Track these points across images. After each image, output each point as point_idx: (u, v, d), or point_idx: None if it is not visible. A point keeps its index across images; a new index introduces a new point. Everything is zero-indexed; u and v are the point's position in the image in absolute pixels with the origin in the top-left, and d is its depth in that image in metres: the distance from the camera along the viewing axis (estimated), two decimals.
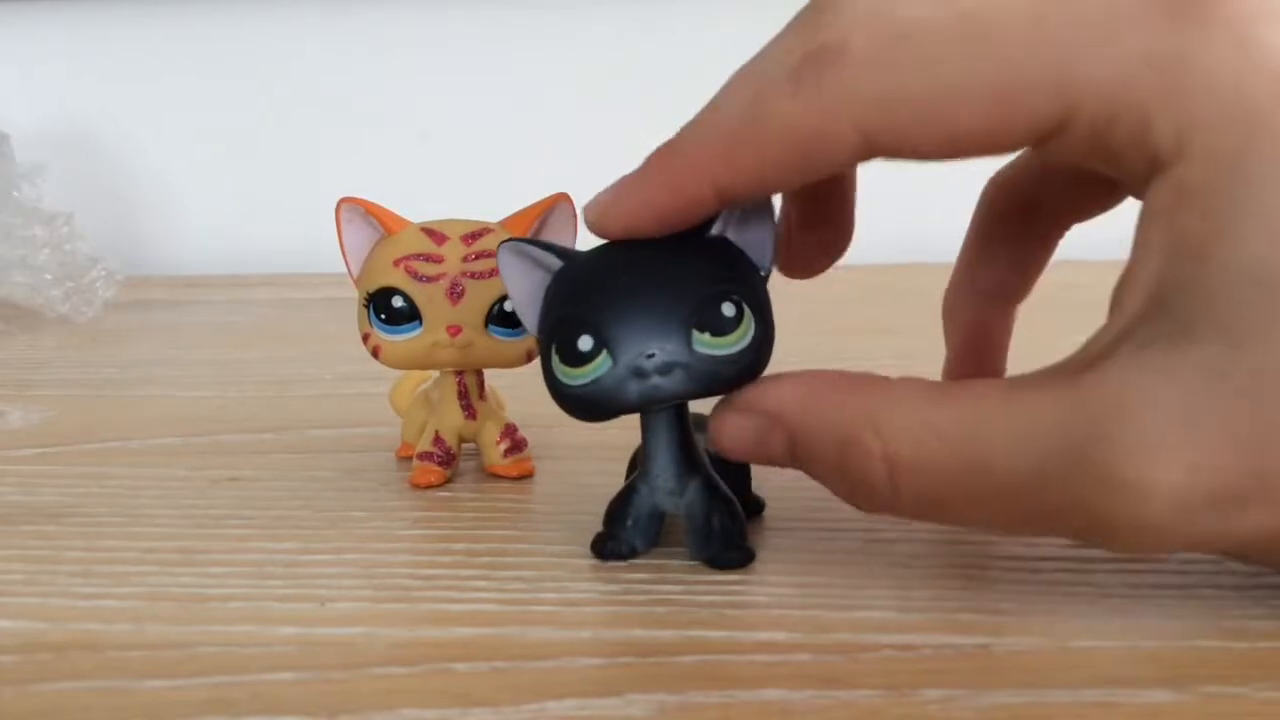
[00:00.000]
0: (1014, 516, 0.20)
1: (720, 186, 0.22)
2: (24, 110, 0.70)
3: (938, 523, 0.22)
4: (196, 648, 0.22)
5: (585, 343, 0.22)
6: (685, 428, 0.25)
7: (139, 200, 0.73)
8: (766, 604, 0.23)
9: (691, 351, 0.22)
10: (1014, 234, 0.28)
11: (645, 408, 0.23)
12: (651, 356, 0.22)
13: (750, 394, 0.23)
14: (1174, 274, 0.19)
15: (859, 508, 0.22)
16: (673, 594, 0.24)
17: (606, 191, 0.23)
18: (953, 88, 0.20)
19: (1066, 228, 0.28)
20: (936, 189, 0.66)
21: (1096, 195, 0.26)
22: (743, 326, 0.23)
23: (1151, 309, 0.19)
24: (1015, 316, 0.29)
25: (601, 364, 0.22)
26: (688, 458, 0.25)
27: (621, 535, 0.25)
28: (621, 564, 0.25)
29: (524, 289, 0.25)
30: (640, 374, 0.22)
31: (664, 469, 0.25)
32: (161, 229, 0.74)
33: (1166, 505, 0.18)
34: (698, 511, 0.25)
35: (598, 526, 0.26)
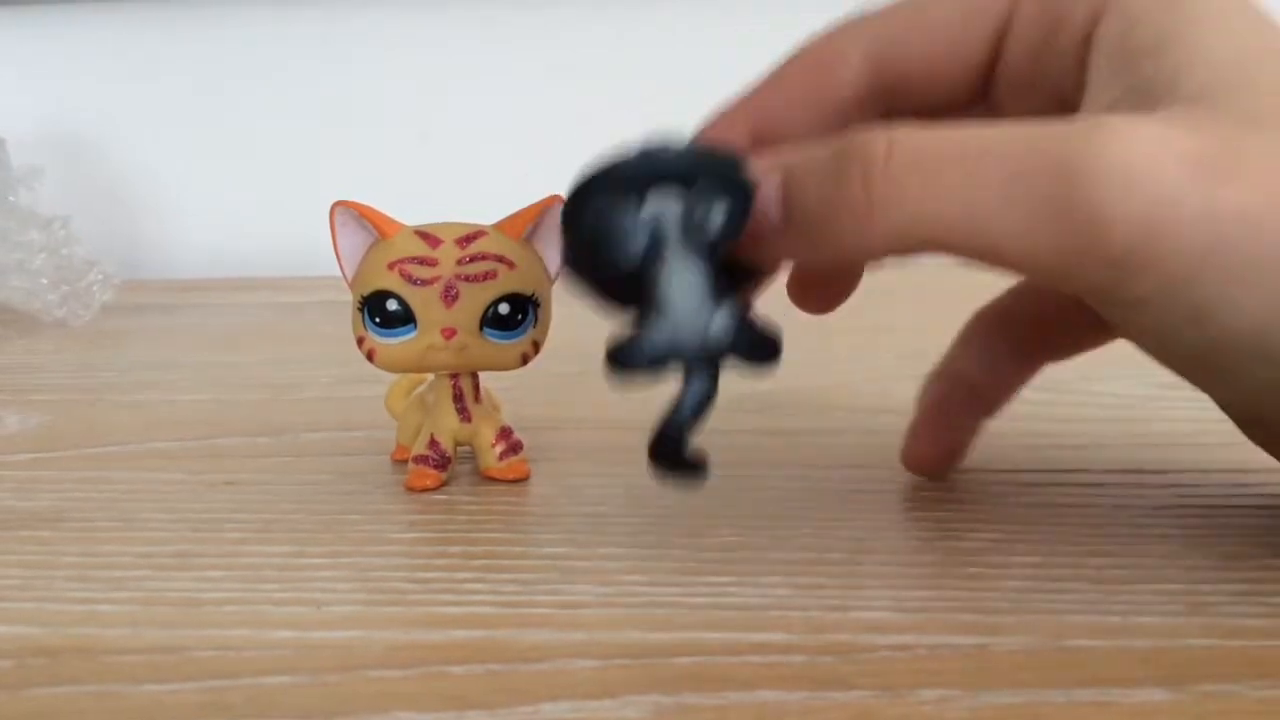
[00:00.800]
0: (994, 189, 0.19)
1: (754, 126, 0.25)
2: (20, 114, 0.70)
3: (924, 217, 0.20)
4: (192, 651, 0.22)
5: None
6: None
7: (136, 203, 0.73)
8: (762, 605, 0.23)
9: None
10: (996, 351, 0.29)
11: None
12: None
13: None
14: (1135, 77, 0.21)
15: (842, 223, 0.21)
16: (669, 596, 0.24)
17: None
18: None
19: (1045, 361, 0.29)
20: None
21: (1083, 333, 0.28)
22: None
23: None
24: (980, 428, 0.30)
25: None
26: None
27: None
28: (618, 566, 0.25)
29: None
30: None
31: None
32: (159, 232, 0.74)
33: (1143, 156, 0.18)
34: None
35: (594, 529, 0.26)
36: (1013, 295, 0.29)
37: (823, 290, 0.28)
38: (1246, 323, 0.19)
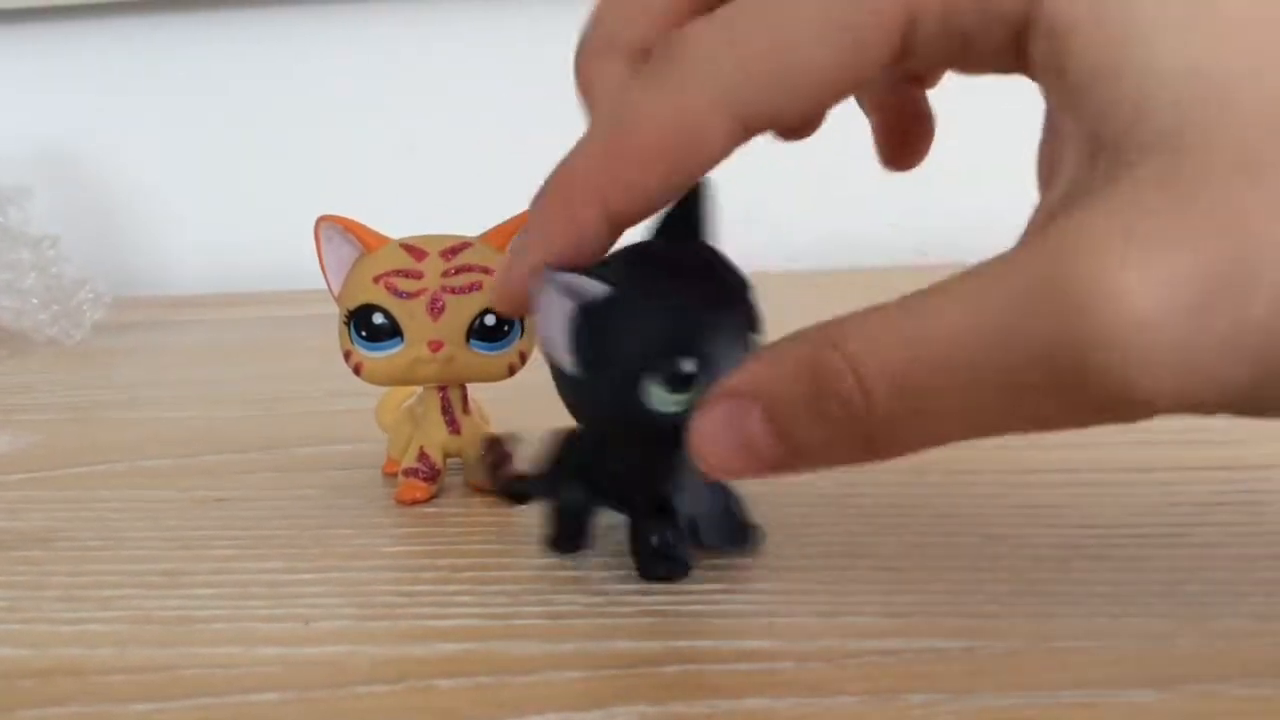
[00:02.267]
0: (991, 392, 0.18)
1: (610, 207, 0.21)
2: (8, 132, 0.70)
3: (927, 438, 0.19)
4: (180, 670, 0.22)
5: (689, 365, 0.21)
6: None
7: (125, 221, 0.74)
8: (751, 612, 0.23)
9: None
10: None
11: None
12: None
13: (712, 390, 0.21)
14: (1087, 121, 0.18)
15: (849, 457, 0.20)
16: (658, 604, 0.24)
17: (503, 266, 0.24)
18: (798, 34, 0.19)
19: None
20: (935, 190, 0.66)
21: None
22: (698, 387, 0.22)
23: (1075, 169, 0.18)
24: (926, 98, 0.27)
25: (698, 390, 0.21)
26: None
27: (674, 551, 0.25)
28: (606, 575, 0.25)
29: (556, 319, 0.22)
30: None
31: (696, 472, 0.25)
32: (148, 249, 0.74)
33: (1142, 308, 0.16)
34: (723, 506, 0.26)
35: None
36: None
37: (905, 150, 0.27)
38: None
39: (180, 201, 0.73)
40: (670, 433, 0.21)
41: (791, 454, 0.20)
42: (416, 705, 0.20)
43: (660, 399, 0.22)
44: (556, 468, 0.26)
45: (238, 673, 0.21)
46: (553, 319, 0.22)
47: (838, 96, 0.21)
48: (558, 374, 0.23)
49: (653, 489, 0.25)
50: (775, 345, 0.20)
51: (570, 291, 0.22)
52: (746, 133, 0.21)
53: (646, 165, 0.21)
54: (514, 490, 0.27)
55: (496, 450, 0.27)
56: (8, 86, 0.72)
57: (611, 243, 0.23)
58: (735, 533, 0.26)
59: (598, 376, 0.22)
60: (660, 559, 0.25)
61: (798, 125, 0.23)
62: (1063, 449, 0.33)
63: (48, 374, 0.50)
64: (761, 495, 0.29)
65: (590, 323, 0.22)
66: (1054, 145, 0.20)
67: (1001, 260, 0.18)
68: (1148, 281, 0.16)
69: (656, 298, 0.22)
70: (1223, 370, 0.16)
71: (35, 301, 0.55)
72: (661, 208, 0.23)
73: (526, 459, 0.27)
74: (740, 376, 0.20)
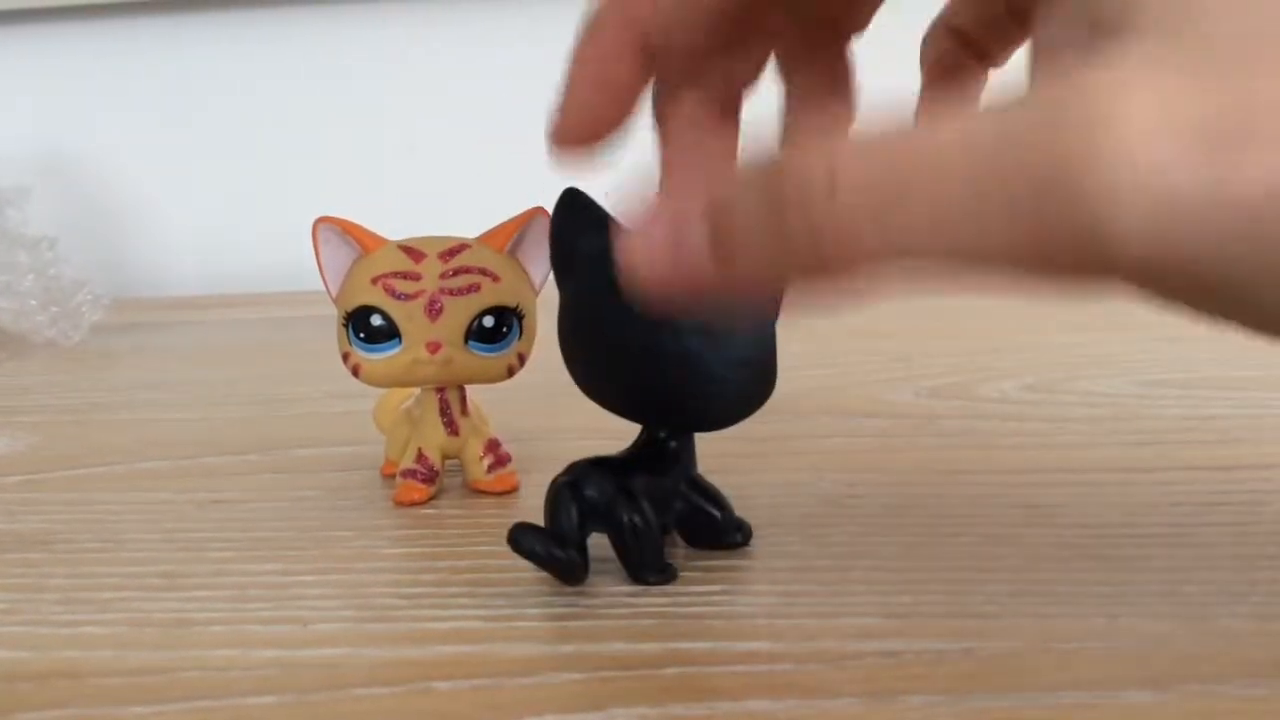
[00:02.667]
0: (967, 203, 0.16)
1: (638, 23, 0.21)
2: (6, 134, 0.70)
3: (884, 247, 0.17)
4: (178, 673, 0.22)
5: None
6: None
7: (124, 222, 0.73)
8: (750, 614, 0.23)
9: None
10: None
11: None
12: None
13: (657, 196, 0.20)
14: (1089, 9, 0.17)
15: (793, 264, 0.18)
16: (657, 606, 0.24)
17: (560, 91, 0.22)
18: None
19: None
20: None
21: None
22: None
23: (1073, 57, 0.17)
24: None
25: None
26: None
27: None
28: (605, 578, 0.25)
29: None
30: None
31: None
32: (147, 251, 0.74)
33: (1138, 143, 0.15)
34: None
35: None
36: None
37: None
38: None
39: (178, 203, 0.73)
40: None
41: (726, 260, 0.18)
42: (415, 708, 0.20)
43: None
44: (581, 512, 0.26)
45: (236, 675, 0.21)
46: None
47: None
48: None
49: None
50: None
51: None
52: None
53: None
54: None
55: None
56: (6, 87, 0.72)
57: (641, 86, 0.22)
58: (723, 532, 0.26)
59: None
60: (648, 569, 0.25)
61: None
62: (1062, 449, 0.33)
63: (46, 376, 0.50)
64: (760, 496, 0.29)
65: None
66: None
67: (994, 105, 0.17)
68: (1147, 119, 0.15)
69: None
70: (1201, 221, 0.15)
71: (34, 303, 0.55)
72: (691, 26, 0.22)
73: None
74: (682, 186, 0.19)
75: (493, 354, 0.29)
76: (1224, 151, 0.15)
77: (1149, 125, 0.15)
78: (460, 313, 0.29)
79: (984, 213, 0.16)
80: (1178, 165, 0.15)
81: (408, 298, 0.29)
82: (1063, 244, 0.16)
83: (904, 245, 0.17)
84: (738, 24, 0.22)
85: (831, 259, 0.17)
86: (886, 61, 0.26)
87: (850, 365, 0.44)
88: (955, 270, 0.17)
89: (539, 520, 0.25)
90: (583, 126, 0.22)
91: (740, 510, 0.27)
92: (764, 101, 0.24)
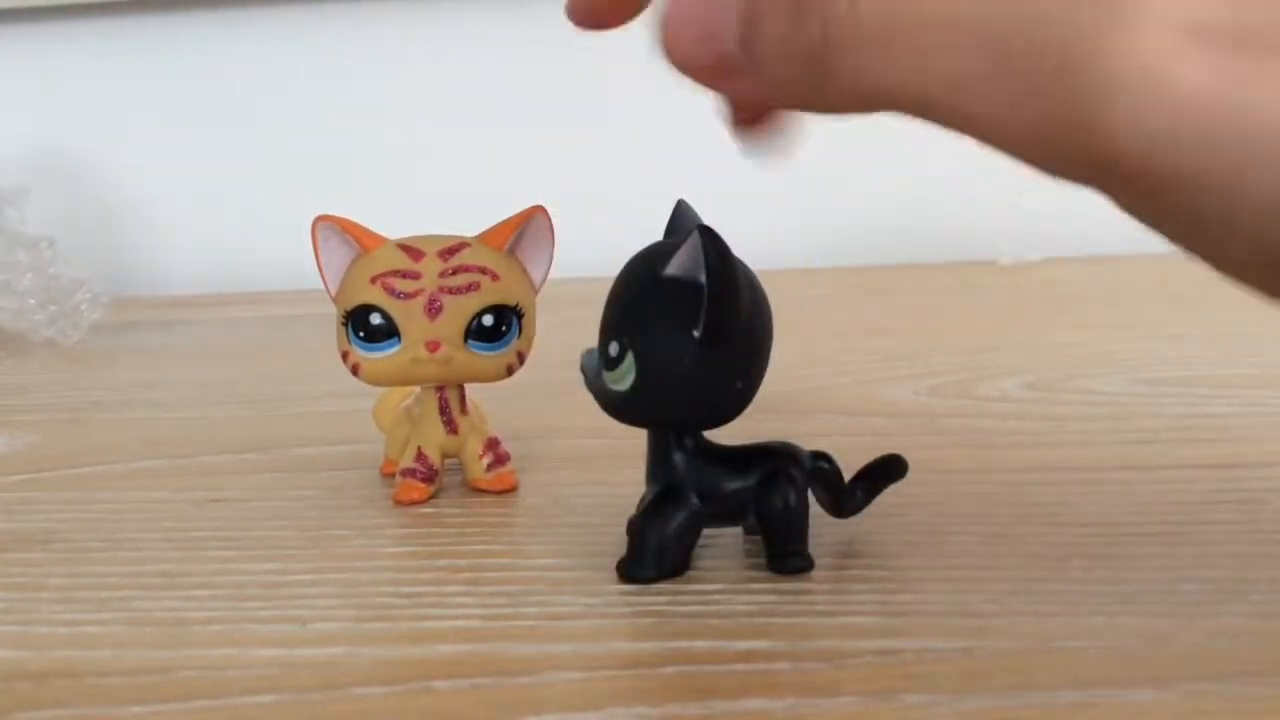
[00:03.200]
0: (979, 48, 0.16)
1: None
2: (5, 133, 0.70)
3: (887, 75, 0.17)
4: (177, 672, 0.22)
5: (613, 347, 0.24)
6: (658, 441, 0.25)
7: (123, 222, 0.73)
8: (749, 613, 0.23)
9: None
10: None
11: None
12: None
13: None
14: None
15: (797, 73, 0.18)
16: (656, 605, 0.24)
17: None
18: None
19: None
20: (931, 191, 0.66)
21: None
22: (624, 366, 0.24)
23: None
24: None
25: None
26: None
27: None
28: (605, 576, 0.25)
29: None
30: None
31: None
32: (146, 250, 0.74)
33: (1160, 25, 0.14)
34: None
35: (581, 538, 0.26)
36: None
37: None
38: None
39: (177, 202, 0.73)
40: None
41: (750, 51, 0.18)
42: (414, 707, 0.20)
43: (592, 371, 0.24)
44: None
45: (234, 674, 0.21)
46: None
47: None
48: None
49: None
50: None
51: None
52: None
53: None
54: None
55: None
56: (5, 87, 0.72)
57: None
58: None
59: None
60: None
61: None
62: (1060, 447, 0.33)
63: (45, 375, 0.50)
64: None
65: None
66: None
67: None
68: (1171, 8, 0.14)
69: (617, 286, 0.24)
70: (1210, 132, 0.14)
71: (33, 302, 0.55)
72: None
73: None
74: None
75: (492, 353, 0.29)
76: (1248, 60, 0.14)
77: (1171, 15, 0.14)
78: (460, 311, 0.29)
79: (990, 80, 0.16)
80: (1194, 65, 0.14)
81: (407, 296, 0.29)
82: (1060, 132, 0.15)
83: (906, 86, 0.17)
84: None
85: (836, 75, 0.17)
86: None
87: (849, 364, 0.44)
88: (956, 129, 0.17)
89: (535, 523, 0.25)
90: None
91: None
92: None
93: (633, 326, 0.24)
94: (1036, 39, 0.15)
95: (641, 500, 0.25)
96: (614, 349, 0.24)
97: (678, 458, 0.25)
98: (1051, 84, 0.15)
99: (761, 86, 0.19)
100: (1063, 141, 0.15)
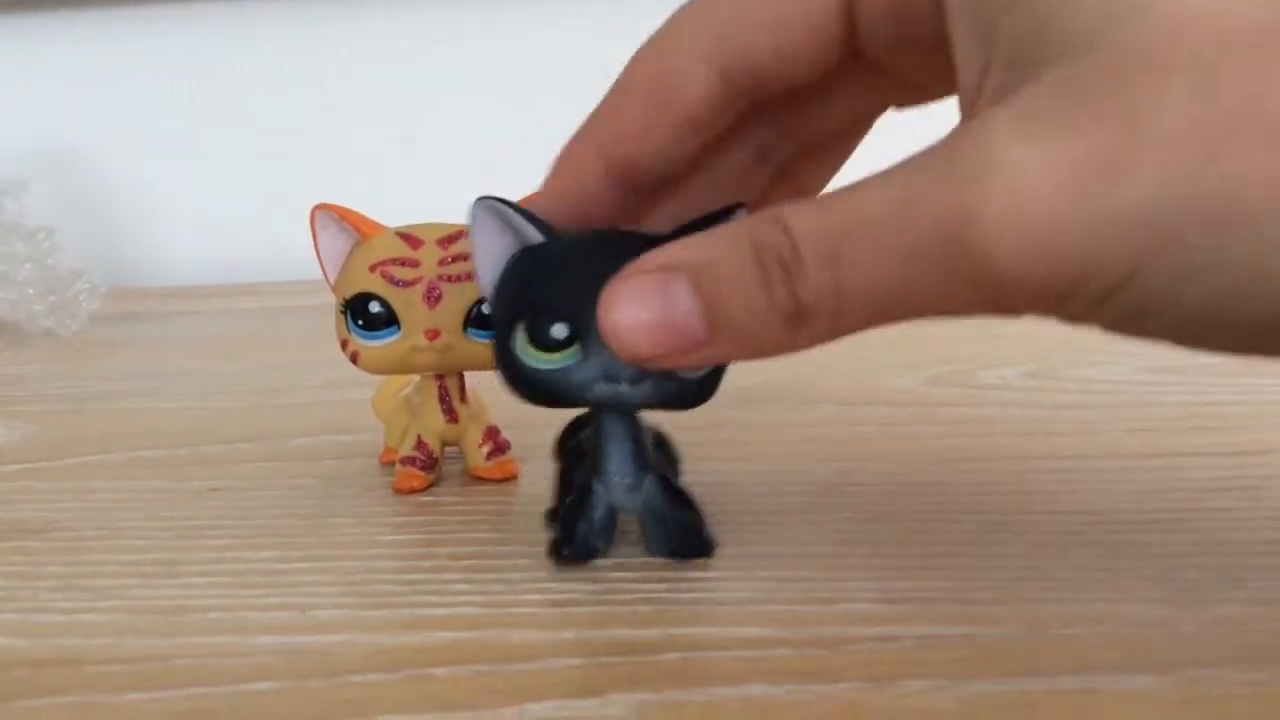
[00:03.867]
0: (896, 263, 0.18)
1: (604, 151, 0.23)
2: (3, 125, 0.69)
3: (851, 315, 0.19)
4: (176, 660, 0.22)
5: (560, 330, 0.23)
6: (639, 427, 0.25)
7: (122, 213, 0.73)
8: (750, 599, 0.23)
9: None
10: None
11: (600, 408, 0.24)
12: (629, 365, 0.22)
13: (637, 263, 0.20)
14: (1004, 49, 0.18)
15: (775, 336, 0.19)
16: (656, 592, 0.24)
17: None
18: None
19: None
20: None
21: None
22: None
23: (991, 96, 0.18)
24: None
25: (570, 355, 0.23)
26: (642, 455, 0.25)
27: (581, 538, 0.25)
28: (606, 563, 0.25)
29: (490, 251, 0.24)
30: (611, 378, 0.23)
31: (621, 467, 0.25)
32: (145, 241, 0.74)
33: (1021, 180, 0.16)
34: (657, 507, 0.25)
35: None
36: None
37: None
38: (1198, 304, 0.17)
39: (176, 193, 0.73)
40: (536, 392, 0.23)
41: (715, 332, 0.20)
42: (413, 694, 0.20)
43: (522, 347, 0.23)
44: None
45: (234, 662, 0.21)
46: (485, 250, 0.24)
47: (799, 44, 0.22)
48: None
49: (578, 472, 0.25)
50: (700, 233, 0.21)
51: (512, 228, 0.23)
52: (725, 82, 0.22)
53: (634, 113, 0.23)
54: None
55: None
56: (4, 79, 0.72)
57: (614, 199, 0.24)
58: (673, 540, 0.25)
59: (497, 313, 0.24)
60: (560, 545, 0.25)
61: (774, 79, 0.22)
62: (1061, 435, 0.33)
63: (44, 365, 0.50)
64: (759, 483, 0.29)
65: (515, 264, 0.24)
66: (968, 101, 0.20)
67: (921, 152, 0.18)
68: (1030, 159, 0.16)
69: (569, 260, 0.23)
70: (1094, 251, 0.16)
71: (31, 293, 0.55)
72: (655, 156, 0.23)
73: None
74: (664, 252, 0.20)
75: (492, 341, 0.29)
76: (1107, 188, 0.16)
77: (1032, 166, 0.16)
78: (459, 299, 0.29)
79: (908, 268, 0.18)
80: (1063, 207, 0.16)
81: (406, 284, 0.28)
82: (971, 290, 0.17)
83: (860, 311, 0.18)
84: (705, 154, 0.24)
85: (807, 324, 0.19)
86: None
87: (849, 352, 0.44)
88: (899, 319, 0.19)
89: (535, 511, 0.25)
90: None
91: (739, 497, 0.27)
92: None
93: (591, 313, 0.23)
94: (931, 221, 0.17)
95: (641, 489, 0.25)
96: (559, 330, 0.23)
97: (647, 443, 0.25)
98: (958, 258, 0.17)
99: (731, 353, 0.21)
100: (973, 298, 0.18)
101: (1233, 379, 0.37)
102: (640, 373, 0.22)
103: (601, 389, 0.23)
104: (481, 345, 0.29)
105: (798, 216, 0.19)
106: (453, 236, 0.29)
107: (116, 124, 0.72)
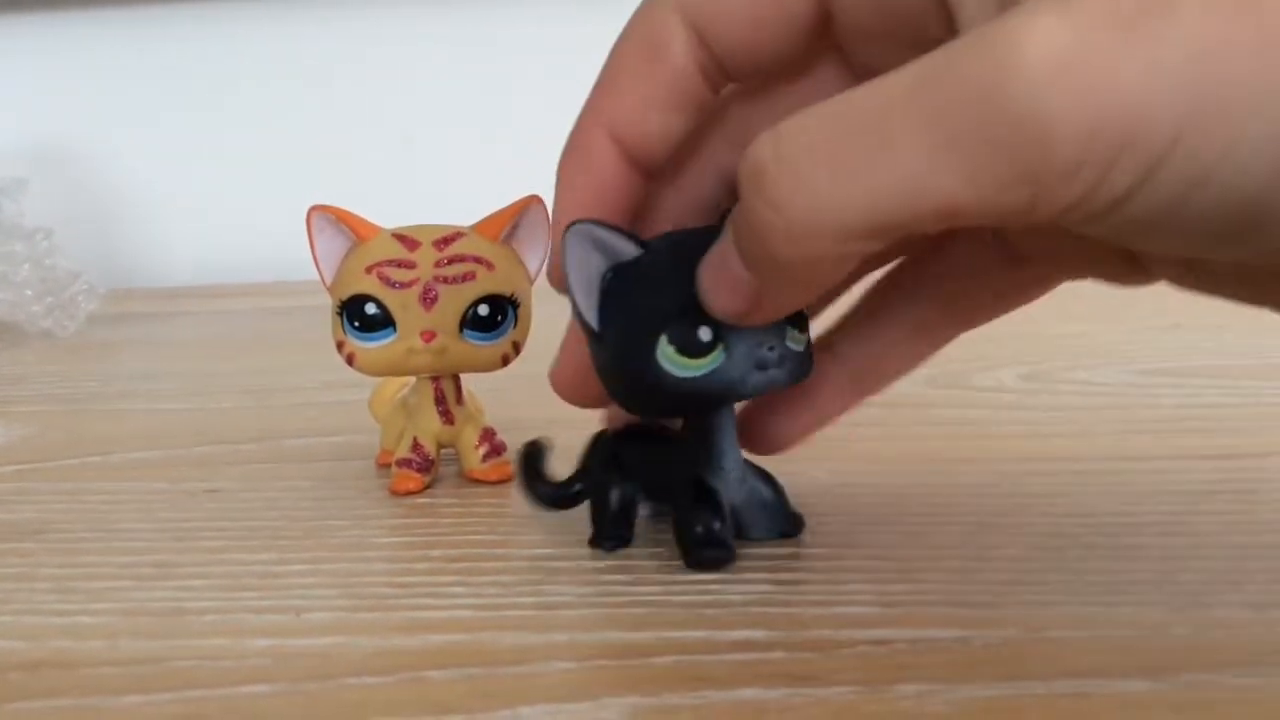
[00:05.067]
0: (915, 135, 0.16)
1: (616, 134, 0.23)
2: (1, 126, 0.69)
3: (843, 216, 0.17)
4: (170, 662, 0.21)
5: (706, 333, 0.22)
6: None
7: (119, 214, 0.73)
8: (743, 602, 0.23)
9: (787, 345, 0.23)
10: (890, 328, 0.26)
11: (756, 396, 0.24)
12: (772, 349, 0.22)
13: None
14: None
15: (767, 252, 0.19)
16: (650, 595, 0.24)
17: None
18: None
19: (950, 333, 0.27)
20: None
21: (994, 293, 0.27)
22: (805, 322, 0.24)
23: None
24: None
25: (717, 356, 0.22)
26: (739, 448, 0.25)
27: (721, 539, 0.25)
28: (600, 566, 0.25)
29: (586, 277, 0.23)
30: (762, 366, 0.23)
31: (735, 462, 0.25)
32: (142, 242, 0.74)
33: (1060, 36, 0.15)
34: (763, 494, 0.26)
35: (576, 529, 0.26)
36: (910, 261, 0.26)
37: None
38: (1252, 177, 0.16)
39: (174, 194, 0.73)
40: (686, 400, 0.23)
41: (753, 269, 0.20)
42: (408, 697, 0.20)
43: (670, 359, 0.22)
44: (595, 466, 0.26)
45: (229, 664, 0.21)
46: (581, 275, 0.23)
47: (769, 20, 0.22)
48: (590, 336, 0.24)
49: (693, 476, 0.25)
50: None
51: (603, 248, 0.23)
52: (702, 47, 0.22)
53: (627, 82, 0.22)
54: (550, 496, 0.27)
55: (531, 458, 0.27)
56: (2, 79, 0.72)
57: (635, 186, 0.23)
58: (779, 521, 0.26)
59: (619, 334, 0.23)
60: (706, 546, 0.24)
61: (746, 50, 0.22)
62: (1057, 439, 0.33)
63: (41, 366, 0.50)
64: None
65: (618, 281, 0.23)
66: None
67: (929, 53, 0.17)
68: (1067, 11, 0.15)
69: (687, 263, 0.22)
70: (1142, 101, 0.15)
71: (29, 294, 0.55)
72: (657, 133, 0.23)
73: (561, 463, 0.27)
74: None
75: (488, 343, 0.29)
76: (1148, 29, 0.15)
77: (1070, 15, 0.15)
78: (455, 301, 0.29)
79: (930, 145, 0.16)
80: (1102, 51, 0.15)
81: (402, 286, 0.28)
82: (1005, 160, 0.16)
83: (862, 202, 0.17)
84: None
85: (796, 231, 0.18)
86: None
87: None
88: (915, 227, 0.17)
89: (530, 514, 0.25)
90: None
91: None
92: None
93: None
94: (956, 80, 0.16)
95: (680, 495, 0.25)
96: (705, 334, 0.22)
97: None
98: (989, 113, 0.16)
99: (780, 291, 0.20)
100: (1017, 170, 0.16)
101: (1229, 382, 0.37)
102: (780, 356, 0.23)
103: (757, 379, 0.23)
104: (477, 346, 0.29)
105: (787, 121, 0.18)
106: (449, 238, 0.29)
107: (116, 124, 0.72)
